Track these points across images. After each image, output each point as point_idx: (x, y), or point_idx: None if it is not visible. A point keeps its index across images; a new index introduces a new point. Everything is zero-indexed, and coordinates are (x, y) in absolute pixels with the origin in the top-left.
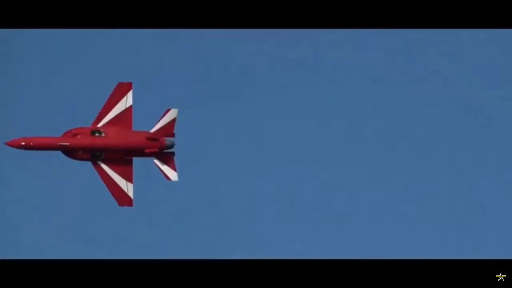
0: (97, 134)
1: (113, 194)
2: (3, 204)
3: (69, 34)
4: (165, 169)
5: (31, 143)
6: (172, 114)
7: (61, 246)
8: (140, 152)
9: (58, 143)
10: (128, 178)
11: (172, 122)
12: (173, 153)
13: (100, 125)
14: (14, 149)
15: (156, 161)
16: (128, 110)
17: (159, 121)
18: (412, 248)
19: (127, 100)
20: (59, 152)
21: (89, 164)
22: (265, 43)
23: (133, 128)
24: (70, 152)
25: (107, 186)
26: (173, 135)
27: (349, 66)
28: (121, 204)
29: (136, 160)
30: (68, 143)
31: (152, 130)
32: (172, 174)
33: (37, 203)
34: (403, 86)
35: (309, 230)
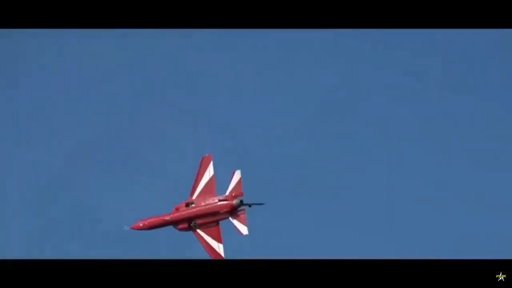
0: (190, 206)
1: (209, 254)
2: None
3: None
4: (237, 225)
5: (146, 223)
6: (237, 175)
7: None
8: (219, 214)
9: (163, 219)
10: (218, 240)
11: (238, 183)
12: (243, 210)
13: (194, 196)
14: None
15: (231, 219)
16: (211, 180)
17: (229, 184)
18: (412, 248)
19: (210, 171)
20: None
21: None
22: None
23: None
24: (175, 225)
25: (205, 249)
26: (241, 194)
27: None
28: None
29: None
30: (169, 218)
31: (227, 193)
32: (243, 229)
33: None
34: (404, 85)
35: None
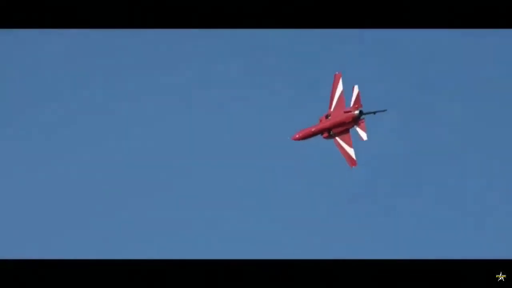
0: (328, 118)
1: (345, 158)
2: None
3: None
4: (359, 131)
5: (300, 134)
6: (356, 89)
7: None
8: (346, 124)
9: (310, 130)
10: (350, 145)
11: (358, 96)
12: (363, 119)
13: (331, 109)
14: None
15: (355, 127)
16: (341, 94)
17: (351, 98)
18: (412, 248)
19: (340, 87)
20: None
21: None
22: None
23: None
24: (320, 134)
25: (341, 152)
26: (361, 105)
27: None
28: (350, 164)
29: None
30: (314, 129)
31: (350, 105)
32: (363, 135)
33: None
34: (405, 85)
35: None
